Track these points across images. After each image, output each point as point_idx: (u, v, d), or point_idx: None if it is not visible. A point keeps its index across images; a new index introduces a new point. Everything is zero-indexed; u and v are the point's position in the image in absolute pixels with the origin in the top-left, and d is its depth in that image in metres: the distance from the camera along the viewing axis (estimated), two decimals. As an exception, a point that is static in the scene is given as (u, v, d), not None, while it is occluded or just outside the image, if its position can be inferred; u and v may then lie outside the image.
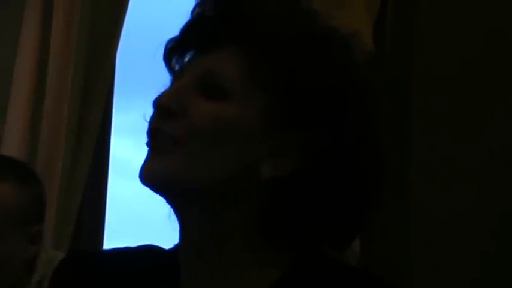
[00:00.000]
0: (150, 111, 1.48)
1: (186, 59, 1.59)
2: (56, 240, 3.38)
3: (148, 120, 1.49)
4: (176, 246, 1.57)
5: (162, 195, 1.48)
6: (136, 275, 1.65)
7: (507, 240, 3.87)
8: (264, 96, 1.45)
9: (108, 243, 3.67)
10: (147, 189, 1.44)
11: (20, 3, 3.60)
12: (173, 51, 1.55)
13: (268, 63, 1.45)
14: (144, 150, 1.49)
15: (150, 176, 1.44)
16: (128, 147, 4.75)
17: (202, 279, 1.53)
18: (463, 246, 3.83)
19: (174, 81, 1.56)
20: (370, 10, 3.88)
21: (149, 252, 1.67)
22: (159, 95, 1.47)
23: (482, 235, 3.84)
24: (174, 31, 1.50)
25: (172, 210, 1.52)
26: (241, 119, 1.46)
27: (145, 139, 1.48)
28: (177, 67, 1.60)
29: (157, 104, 1.45)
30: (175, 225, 1.52)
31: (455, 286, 3.78)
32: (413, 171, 3.75)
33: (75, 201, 3.46)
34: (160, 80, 1.56)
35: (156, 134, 1.44)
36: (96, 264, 1.72)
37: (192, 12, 1.52)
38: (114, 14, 3.66)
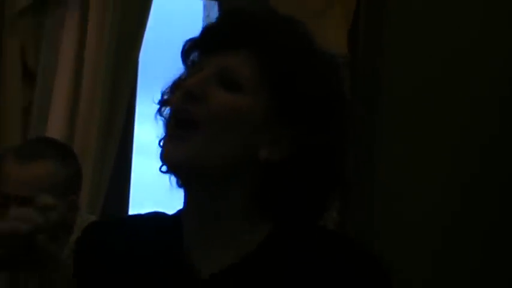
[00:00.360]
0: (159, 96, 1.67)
1: (203, 57, 1.72)
2: (90, 207, 3.67)
3: (164, 103, 1.66)
4: (179, 211, 1.72)
5: (177, 175, 1.64)
6: (147, 236, 1.80)
7: (467, 212, 4.60)
8: (269, 95, 1.60)
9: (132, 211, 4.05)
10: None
11: (61, 13, 3.82)
12: (192, 48, 1.69)
13: (275, 69, 1.62)
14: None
15: (170, 159, 1.59)
16: (149, 132, 5.05)
17: (202, 239, 1.69)
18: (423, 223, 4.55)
19: (190, 74, 1.68)
20: (345, 21, 4.37)
21: (157, 217, 1.81)
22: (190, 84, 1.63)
23: (444, 213, 4.56)
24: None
25: (176, 180, 1.68)
26: (250, 110, 1.61)
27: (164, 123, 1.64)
28: (193, 63, 1.73)
29: (183, 88, 1.60)
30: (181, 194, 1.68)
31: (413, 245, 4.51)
32: (381, 159, 4.36)
33: (105, 177, 3.81)
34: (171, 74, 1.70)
35: (177, 115, 1.58)
36: (113, 229, 1.88)
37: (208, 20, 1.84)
38: (139, 17, 3.97)
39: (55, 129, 3.76)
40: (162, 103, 1.64)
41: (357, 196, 4.34)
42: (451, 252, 4.73)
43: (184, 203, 1.66)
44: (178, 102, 1.56)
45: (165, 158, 1.54)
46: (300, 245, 1.67)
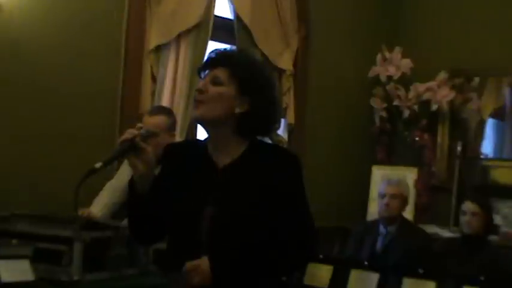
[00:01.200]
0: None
1: (206, 72, 2.71)
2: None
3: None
4: (206, 138, 2.75)
5: (199, 123, 2.75)
6: (194, 149, 2.81)
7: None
8: (235, 84, 2.63)
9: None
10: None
11: (167, 52, 5.52)
12: (201, 68, 2.73)
13: (236, 73, 2.64)
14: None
15: (195, 116, 2.70)
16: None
17: (216, 150, 2.70)
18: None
19: (202, 79, 2.68)
20: (291, 54, 6.64)
21: (199, 140, 2.94)
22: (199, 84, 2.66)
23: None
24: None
25: (203, 128, 2.72)
26: (226, 93, 2.63)
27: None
28: (202, 75, 2.72)
29: (198, 86, 2.65)
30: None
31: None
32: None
33: (184, 126, 5.54)
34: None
35: (195, 98, 2.63)
36: (180, 145, 3.12)
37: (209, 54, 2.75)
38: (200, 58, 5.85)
39: (164, 102, 5.64)
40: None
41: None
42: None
43: (207, 135, 2.74)
44: (196, 92, 2.66)
45: (193, 116, 2.81)
46: (260, 150, 2.72)
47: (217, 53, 2.70)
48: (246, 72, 2.64)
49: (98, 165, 2.54)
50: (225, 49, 2.73)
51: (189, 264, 2.49)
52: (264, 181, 2.59)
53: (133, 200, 2.68)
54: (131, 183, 2.67)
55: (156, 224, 2.69)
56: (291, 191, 2.63)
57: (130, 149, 2.59)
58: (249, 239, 2.53)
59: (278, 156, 2.69)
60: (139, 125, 2.71)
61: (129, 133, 2.60)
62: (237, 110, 2.61)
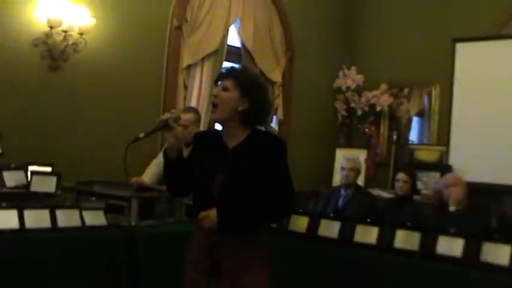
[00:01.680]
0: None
1: (219, 82, 2.67)
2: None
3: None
4: (221, 129, 2.73)
5: (215, 121, 2.78)
6: (214, 136, 2.77)
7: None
8: (238, 90, 2.62)
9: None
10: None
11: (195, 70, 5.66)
12: (217, 80, 2.70)
13: (239, 83, 2.63)
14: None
15: (213, 118, 2.69)
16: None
17: (227, 137, 2.68)
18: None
19: (215, 88, 2.67)
20: (281, 70, 6.64)
21: (218, 130, 2.84)
22: (214, 91, 2.65)
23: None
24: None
25: (220, 125, 2.72)
26: (233, 97, 2.61)
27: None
28: (218, 83, 2.68)
29: (213, 93, 2.65)
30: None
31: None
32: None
33: (206, 120, 5.46)
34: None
35: (212, 102, 2.62)
36: (205, 133, 3.04)
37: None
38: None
39: (192, 104, 5.75)
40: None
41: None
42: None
43: (222, 128, 2.74)
44: (212, 97, 2.66)
45: (211, 117, 2.87)
46: (258, 136, 2.69)
47: (227, 69, 2.71)
48: (245, 81, 2.65)
49: (141, 135, 2.64)
50: (232, 66, 2.72)
51: (201, 213, 2.56)
52: (258, 157, 2.59)
53: (166, 164, 2.73)
54: (165, 151, 2.72)
55: (184, 184, 2.73)
56: (277, 163, 2.61)
57: (164, 126, 2.64)
58: (246, 196, 2.54)
59: (270, 140, 2.67)
60: (172, 110, 2.77)
61: (165, 116, 2.67)
62: (240, 108, 2.62)
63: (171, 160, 2.69)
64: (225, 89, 2.61)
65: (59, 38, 4.74)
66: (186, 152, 2.82)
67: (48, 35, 4.69)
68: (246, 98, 2.61)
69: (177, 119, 2.67)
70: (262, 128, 2.81)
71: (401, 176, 5.39)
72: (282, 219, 2.98)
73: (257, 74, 2.76)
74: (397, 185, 5.39)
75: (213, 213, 2.53)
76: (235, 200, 2.55)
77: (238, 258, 2.57)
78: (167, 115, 2.67)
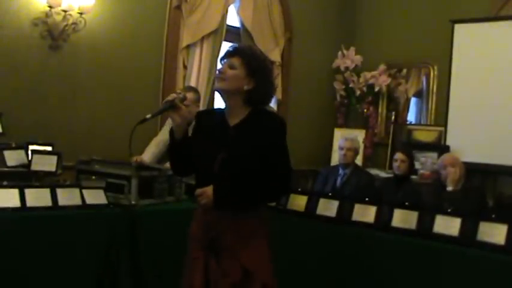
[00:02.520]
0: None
1: (225, 60, 2.67)
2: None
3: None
4: (223, 108, 2.70)
5: (219, 92, 2.67)
6: (216, 114, 2.75)
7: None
8: (245, 69, 2.60)
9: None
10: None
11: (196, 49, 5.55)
12: (222, 57, 2.67)
13: (246, 61, 2.61)
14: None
15: (218, 88, 2.64)
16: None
17: (229, 115, 2.66)
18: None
19: (221, 65, 2.65)
20: (279, 50, 6.60)
21: (220, 108, 2.78)
22: (220, 67, 2.63)
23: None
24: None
25: (221, 97, 2.67)
26: (239, 74, 2.60)
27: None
28: (223, 60, 2.67)
29: (219, 69, 2.62)
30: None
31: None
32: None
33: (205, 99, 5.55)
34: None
35: (218, 76, 2.60)
36: (207, 112, 3.04)
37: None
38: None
39: (192, 83, 5.64)
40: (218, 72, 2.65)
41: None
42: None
43: (224, 104, 2.70)
44: (217, 73, 2.65)
45: (215, 88, 2.69)
46: (259, 114, 2.67)
47: (234, 47, 2.69)
48: (252, 61, 2.63)
49: (148, 116, 2.59)
50: (239, 45, 2.75)
51: (197, 190, 2.57)
52: (258, 136, 2.58)
53: (172, 143, 2.71)
54: (171, 131, 2.70)
55: (188, 163, 2.72)
56: (276, 143, 2.61)
57: (171, 106, 2.62)
58: (244, 175, 2.54)
59: (270, 120, 2.66)
60: (178, 91, 2.74)
61: (171, 96, 2.65)
62: (246, 87, 2.61)
63: (177, 140, 2.67)
64: (231, 67, 2.60)
65: (59, 18, 4.73)
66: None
67: (48, 15, 4.67)
68: (252, 78, 2.61)
69: (183, 99, 2.66)
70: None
71: (399, 155, 5.41)
72: (279, 198, 2.96)
73: (263, 54, 2.73)
74: (395, 164, 5.41)
75: (209, 189, 2.53)
76: (233, 177, 2.54)
77: (238, 234, 2.58)
78: (173, 95, 2.65)
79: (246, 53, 2.65)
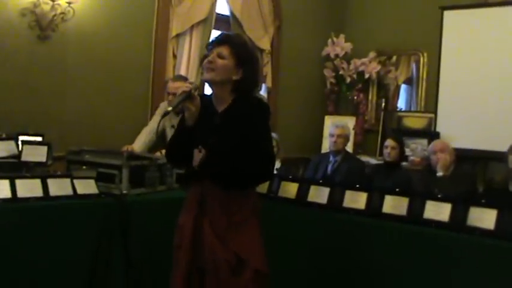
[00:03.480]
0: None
1: (212, 47, 2.64)
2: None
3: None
4: (210, 94, 2.72)
5: (208, 83, 2.68)
6: (207, 101, 2.72)
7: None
8: (234, 59, 2.60)
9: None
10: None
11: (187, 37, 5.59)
12: (209, 44, 2.67)
13: (234, 50, 2.61)
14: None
15: (206, 79, 2.65)
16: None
17: (217, 102, 2.68)
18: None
19: (209, 54, 2.63)
20: (269, 38, 6.58)
21: (206, 95, 2.82)
22: (207, 58, 2.60)
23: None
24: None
25: (209, 87, 2.69)
26: (228, 64, 2.60)
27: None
28: (211, 47, 2.65)
29: (208, 58, 2.59)
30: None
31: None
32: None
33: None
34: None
35: (206, 65, 2.58)
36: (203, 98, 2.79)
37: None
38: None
39: (182, 72, 5.62)
40: (203, 61, 2.65)
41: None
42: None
43: (212, 91, 2.72)
44: (206, 62, 2.61)
45: (203, 78, 2.69)
46: (243, 100, 2.67)
47: (223, 35, 2.68)
48: (242, 51, 2.63)
49: (169, 108, 2.59)
50: (227, 33, 2.70)
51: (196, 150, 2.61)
52: (242, 121, 2.59)
53: (182, 131, 2.71)
54: (182, 119, 2.72)
55: (188, 151, 2.70)
56: (257, 126, 2.62)
57: (188, 97, 2.61)
58: (230, 155, 2.55)
59: (253, 105, 2.67)
60: (190, 81, 2.90)
61: (187, 87, 2.62)
62: (234, 77, 2.61)
63: (188, 128, 2.67)
64: (220, 56, 2.59)
65: (47, 8, 4.69)
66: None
67: (35, 5, 4.63)
68: (241, 69, 2.61)
69: (196, 88, 2.66)
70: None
71: (389, 142, 5.43)
72: (261, 181, 2.96)
73: (251, 45, 2.68)
74: (386, 151, 5.43)
75: (202, 151, 2.58)
76: (220, 154, 2.56)
77: (230, 221, 2.59)
78: (189, 86, 2.64)
79: (236, 43, 2.64)
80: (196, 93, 2.65)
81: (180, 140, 2.74)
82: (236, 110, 2.63)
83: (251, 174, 2.63)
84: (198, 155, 2.61)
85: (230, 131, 2.58)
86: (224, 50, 2.59)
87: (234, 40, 2.65)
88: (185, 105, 2.65)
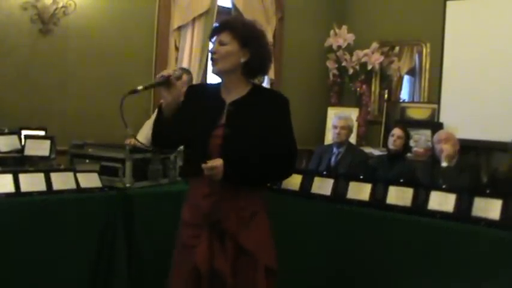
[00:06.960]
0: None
1: (214, 37, 2.58)
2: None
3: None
4: (219, 83, 2.65)
5: (217, 75, 2.61)
6: (211, 89, 2.69)
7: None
8: (237, 42, 2.53)
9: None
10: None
11: (186, 30, 5.67)
12: (211, 35, 2.60)
13: (236, 35, 2.53)
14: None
15: (214, 71, 2.58)
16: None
17: (226, 91, 2.61)
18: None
19: (212, 44, 2.58)
20: (271, 29, 6.56)
21: (215, 83, 2.72)
22: (211, 48, 2.57)
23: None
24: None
25: (221, 79, 2.63)
26: (232, 49, 2.54)
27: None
28: (213, 39, 2.59)
29: (211, 49, 2.57)
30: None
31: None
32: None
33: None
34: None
35: (211, 58, 2.55)
36: (199, 86, 3.10)
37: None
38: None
39: (184, 65, 5.56)
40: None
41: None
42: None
43: (221, 80, 2.66)
44: (211, 54, 2.58)
45: (212, 72, 2.61)
46: (259, 91, 2.64)
47: (221, 21, 2.62)
48: (243, 31, 2.55)
49: (140, 87, 2.57)
50: (224, 18, 2.63)
51: (207, 165, 2.42)
52: (261, 113, 2.53)
53: (158, 119, 2.66)
54: (160, 107, 2.66)
55: (171, 138, 2.67)
56: (280, 122, 2.57)
57: (165, 82, 2.57)
58: (251, 152, 2.47)
59: (273, 97, 2.63)
60: (175, 68, 2.65)
61: (167, 71, 2.60)
62: (242, 60, 2.54)
63: (165, 117, 2.62)
64: (222, 44, 2.54)
65: (49, 1, 4.70)
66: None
67: (37, -2, 4.60)
68: (246, 49, 2.54)
69: (179, 77, 2.62)
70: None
71: (396, 131, 5.40)
72: (285, 178, 2.95)
73: (252, 21, 2.63)
74: (391, 139, 5.39)
75: (218, 162, 2.42)
76: (239, 153, 2.47)
77: (240, 216, 2.53)
78: (169, 71, 2.60)
79: (234, 25, 2.57)
80: (177, 82, 2.60)
81: (158, 127, 2.68)
82: (252, 101, 2.58)
83: (276, 172, 2.64)
84: (211, 167, 2.45)
85: (246, 123, 2.52)
86: (224, 37, 2.54)
87: (232, 24, 2.58)
88: (162, 92, 2.62)
